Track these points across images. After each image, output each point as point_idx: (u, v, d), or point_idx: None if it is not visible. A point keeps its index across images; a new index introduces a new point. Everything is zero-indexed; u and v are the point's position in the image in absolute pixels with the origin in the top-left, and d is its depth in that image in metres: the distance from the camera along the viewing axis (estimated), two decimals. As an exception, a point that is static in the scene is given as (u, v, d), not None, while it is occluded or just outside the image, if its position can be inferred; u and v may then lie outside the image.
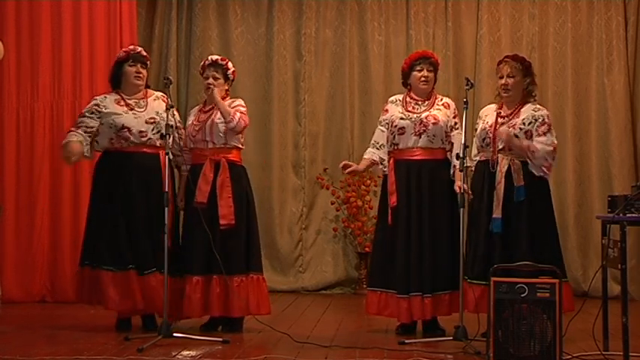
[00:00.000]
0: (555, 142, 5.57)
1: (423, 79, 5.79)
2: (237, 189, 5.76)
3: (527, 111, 5.58)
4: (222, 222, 5.67)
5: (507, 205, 5.46)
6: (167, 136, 5.43)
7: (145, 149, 5.77)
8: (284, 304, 7.37)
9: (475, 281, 5.43)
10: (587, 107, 8.29)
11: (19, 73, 7.16)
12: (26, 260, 7.08)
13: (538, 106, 5.67)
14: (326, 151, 8.48)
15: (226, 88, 5.94)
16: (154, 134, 5.78)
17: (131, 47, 6.03)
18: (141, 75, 5.89)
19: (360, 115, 8.46)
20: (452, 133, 5.72)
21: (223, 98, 5.89)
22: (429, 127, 5.69)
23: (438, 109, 5.76)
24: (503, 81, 5.63)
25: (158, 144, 5.77)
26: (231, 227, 5.67)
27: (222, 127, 5.75)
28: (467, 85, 5.55)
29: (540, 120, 5.55)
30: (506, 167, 5.49)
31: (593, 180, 8.21)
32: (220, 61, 5.92)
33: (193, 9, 8.53)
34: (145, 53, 5.99)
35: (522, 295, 4.57)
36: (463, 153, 5.31)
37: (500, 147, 5.52)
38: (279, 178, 8.43)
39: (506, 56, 5.78)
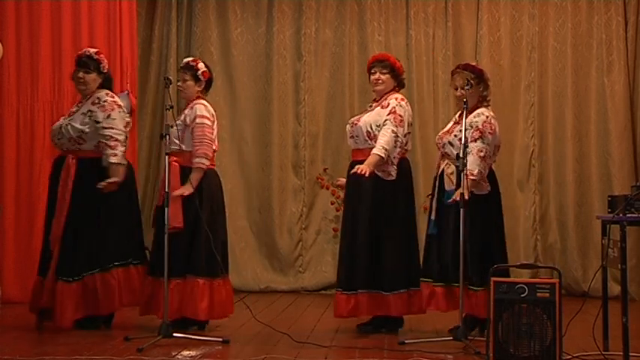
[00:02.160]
0: (484, 147, 5.58)
1: (374, 81, 5.90)
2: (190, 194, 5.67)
3: (469, 118, 5.64)
4: (170, 224, 5.59)
5: (441, 208, 5.64)
6: (166, 137, 5.42)
7: (60, 154, 5.88)
8: (284, 304, 7.37)
9: (424, 280, 5.71)
10: (587, 107, 8.28)
11: (19, 73, 7.16)
12: (26, 260, 7.07)
13: (481, 110, 5.72)
14: (326, 151, 8.48)
15: (198, 89, 5.88)
16: (58, 139, 5.84)
17: (81, 51, 6.02)
18: (82, 80, 5.87)
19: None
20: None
21: (194, 99, 5.84)
22: (353, 129, 5.84)
23: (372, 110, 5.85)
24: (457, 93, 5.74)
25: (64, 148, 5.82)
26: (178, 230, 5.61)
27: (175, 131, 5.73)
28: (467, 85, 5.55)
29: (474, 126, 5.62)
30: (440, 171, 5.71)
31: (593, 180, 8.20)
32: (191, 63, 5.93)
33: (193, 9, 8.53)
34: (92, 57, 5.90)
35: (522, 295, 4.57)
36: (463, 153, 5.31)
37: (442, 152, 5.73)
38: (278, 179, 8.44)
39: (458, 66, 5.90)
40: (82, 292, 5.68)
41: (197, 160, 5.66)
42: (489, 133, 5.62)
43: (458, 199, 5.34)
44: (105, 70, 5.92)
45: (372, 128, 5.76)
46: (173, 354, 4.96)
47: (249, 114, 8.51)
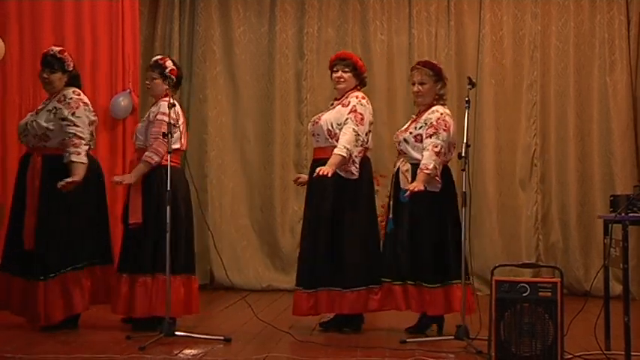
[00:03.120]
0: (439, 143, 5.61)
1: (336, 79, 5.94)
2: (149, 189, 5.70)
3: (424, 115, 5.72)
4: (130, 220, 5.68)
5: (397, 206, 5.71)
6: (169, 135, 5.43)
7: (27, 151, 5.90)
8: (286, 302, 7.35)
9: (383, 279, 5.75)
10: (590, 106, 8.28)
11: (21, 72, 7.15)
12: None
13: (436, 108, 5.77)
14: (328, 150, 8.47)
15: (165, 87, 5.83)
16: (24, 136, 5.84)
17: (45, 50, 5.98)
18: (47, 79, 5.86)
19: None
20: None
21: (163, 96, 5.80)
22: (314, 127, 5.88)
23: (333, 108, 5.87)
24: (415, 88, 5.82)
25: (30, 145, 5.82)
26: (138, 226, 5.65)
27: (141, 128, 5.79)
28: (469, 84, 5.55)
29: (429, 123, 5.68)
30: (396, 169, 5.78)
31: (595, 180, 8.20)
32: (159, 61, 5.92)
33: (196, 8, 8.53)
34: (55, 55, 5.87)
35: (524, 295, 4.57)
36: (465, 152, 5.31)
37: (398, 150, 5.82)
38: (280, 177, 8.44)
39: (418, 63, 5.97)
40: (58, 292, 5.65)
41: (147, 154, 5.66)
42: (443, 129, 5.65)
43: (409, 191, 5.44)
44: (70, 69, 5.88)
45: (332, 127, 5.77)
46: (175, 352, 4.96)
47: (251, 112, 8.51)
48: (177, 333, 5.28)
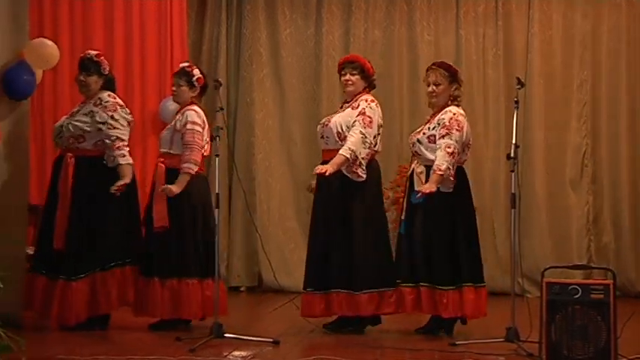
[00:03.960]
0: (452, 143, 5.57)
1: (344, 82, 5.94)
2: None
3: (438, 116, 5.72)
4: (156, 224, 5.75)
5: (410, 208, 5.70)
6: (216, 139, 5.45)
7: (60, 153, 5.94)
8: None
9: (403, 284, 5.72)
10: (642, 106, 8.16)
11: (72, 77, 7.24)
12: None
13: (449, 108, 5.73)
14: (374, 151, 8.45)
15: (192, 94, 5.90)
16: (59, 138, 5.88)
17: (82, 54, 6.04)
18: (83, 82, 5.91)
19: (409, 115, 8.41)
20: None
21: (188, 104, 5.88)
22: (323, 129, 5.87)
23: (343, 111, 5.88)
24: (429, 89, 5.80)
25: (64, 146, 5.85)
26: (164, 229, 5.73)
27: (166, 134, 5.85)
28: (517, 84, 5.51)
29: (442, 123, 5.65)
30: (410, 171, 5.76)
31: (649, 180, 8.09)
32: (186, 69, 5.95)
33: (242, 11, 8.57)
34: (92, 59, 5.92)
35: (575, 297, 4.51)
36: (514, 153, 5.26)
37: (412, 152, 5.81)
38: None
39: (433, 63, 5.95)
40: (86, 292, 5.71)
41: (185, 165, 5.71)
42: (456, 129, 5.61)
43: (421, 193, 5.43)
44: (106, 72, 5.94)
45: (342, 129, 5.78)
46: (224, 354, 4.98)
47: (297, 115, 8.52)
48: (226, 335, 5.30)
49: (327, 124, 5.87)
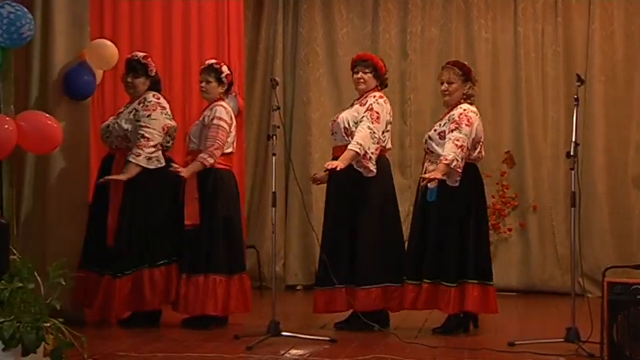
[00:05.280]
0: (461, 137, 5.59)
1: (356, 80, 5.97)
2: (203, 191, 5.83)
3: (450, 112, 5.76)
4: (187, 222, 5.80)
5: (424, 206, 5.73)
6: (273, 137, 5.47)
7: (109, 152, 6.02)
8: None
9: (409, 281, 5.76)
10: None
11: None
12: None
13: (461, 106, 5.77)
14: (432, 150, 8.41)
15: (220, 90, 5.98)
16: (106, 138, 5.97)
17: (130, 55, 6.11)
18: (131, 84, 5.98)
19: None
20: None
21: (216, 99, 5.94)
22: (333, 125, 5.92)
23: (352, 107, 5.92)
24: (443, 87, 5.87)
25: (113, 146, 5.95)
26: (195, 227, 5.80)
27: (195, 131, 5.92)
28: (577, 81, 5.44)
29: (452, 119, 5.69)
30: (424, 169, 5.79)
31: None
32: (215, 65, 6.00)
33: (299, 10, 8.60)
34: (140, 61, 5.99)
35: (638, 297, 4.44)
36: (574, 151, 5.20)
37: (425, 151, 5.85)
38: (385, 178, 8.41)
39: (448, 62, 5.99)
40: (129, 288, 5.80)
41: (202, 155, 5.79)
42: (466, 124, 5.65)
43: (425, 180, 5.56)
44: (152, 74, 6.02)
45: (349, 125, 5.82)
46: (281, 352, 5.00)
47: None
48: (283, 333, 5.32)
49: (335, 120, 5.94)
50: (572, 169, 5.23)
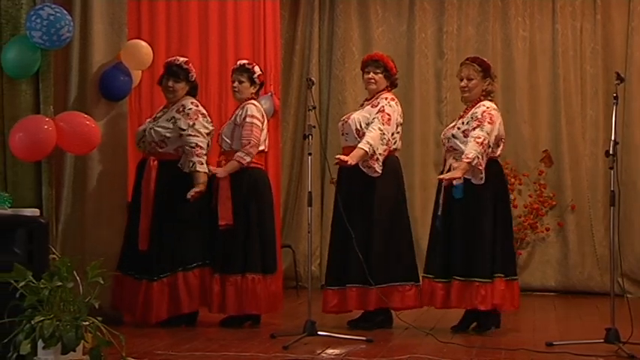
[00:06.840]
0: (482, 134, 5.58)
1: (367, 80, 6.01)
2: (236, 191, 5.87)
3: (472, 110, 5.74)
4: (221, 222, 5.84)
5: (449, 203, 5.70)
6: (309, 137, 5.48)
7: (143, 157, 6.06)
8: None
9: (426, 275, 5.82)
10: None
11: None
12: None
13: (482, 103, 5.75)
14: (468, 149, 8.37)
15: (252, 91, 6.04)
16: (142, 142, 6.02)
17: (170, 59, 6.14)
18: (171, 88, 6.02)
19: (503, 112, 8.16)
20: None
21: (248, 99, 5.99)
22: (343, 126, 5.96)
23: (363, 108, 5.94)
24: (462, 83, 5.85)
25: (147, 151, 6.00)
26: (229, 227, 5.83)
27: (227, 130, 5.96)
28: (617, 79, 5.39)
29: (474, 117, 5.67)
30: (448, 166, 5.75)
31: None
32: (247, 65, 6.05)
33: (335, 10, 8.60)
34: (181, 66, 6.04)
35: (679, 297, 4.38)
36: (614, 150, 5.16)
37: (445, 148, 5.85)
38: (420, 177, 8.40)
39: (467, 58, 5.99)
40: (166, 292, 5.84)
41: (239, 154, 5.85)
42: (488, 122, 5.64)
43: (445, 180, 5.60)
44: (192, 79, 6.09)
45: (360, 126, 5.85)
46: (318, 352, 5.00)
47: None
48: (319, 333, 5.32)
49: (346, 121, 5.96)
50: (611, 168, 5.18)
